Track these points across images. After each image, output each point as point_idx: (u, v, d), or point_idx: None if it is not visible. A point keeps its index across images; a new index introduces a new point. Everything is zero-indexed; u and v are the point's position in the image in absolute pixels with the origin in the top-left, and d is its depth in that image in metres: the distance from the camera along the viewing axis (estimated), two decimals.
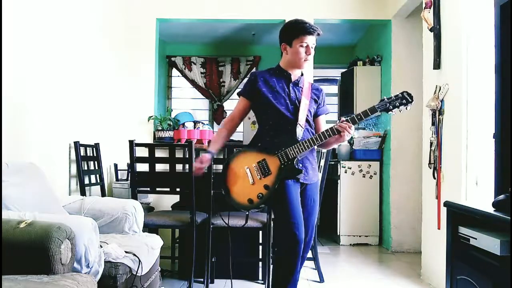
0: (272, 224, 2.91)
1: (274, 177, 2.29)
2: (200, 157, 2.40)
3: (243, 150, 2.44)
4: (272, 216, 2.75)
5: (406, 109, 2.22)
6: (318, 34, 2.34)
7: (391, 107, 2.21)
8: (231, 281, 2.88)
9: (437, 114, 3.15)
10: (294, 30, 2.34)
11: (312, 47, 2.35)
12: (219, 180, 2.50)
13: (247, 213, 2.64)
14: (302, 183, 2.35)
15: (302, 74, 2.46)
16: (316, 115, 2.48)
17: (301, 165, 2.33)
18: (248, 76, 2.48)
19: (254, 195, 2.32)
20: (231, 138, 2.68)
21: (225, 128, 2.51)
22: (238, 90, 3.57)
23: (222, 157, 2.96)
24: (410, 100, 2.20)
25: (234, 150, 2.50)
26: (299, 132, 2.32)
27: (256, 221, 2.94)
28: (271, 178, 2.29)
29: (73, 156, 3.28)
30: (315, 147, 2.33)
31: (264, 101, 2.37)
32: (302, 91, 2.41)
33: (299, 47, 2.32)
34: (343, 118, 2.27)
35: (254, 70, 6.26)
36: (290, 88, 2.39)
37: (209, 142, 3.04)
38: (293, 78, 2.42)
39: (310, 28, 2.31)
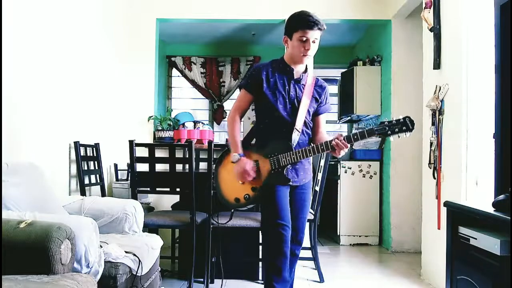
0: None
1: (262, 181, 2.28)
2: (244, 167, 2.25)
3: None
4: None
5: (406, 135, 2.12)
6: (320, 29, 2.23)
7: (389, 132, 2.12)
8: (222, 280, 2.87)
9: (437, 114, 3.15)
10: (294, 23, 2.26)
11: (314, 42, 2.25)
12: (212, 175, 2.50)
13: (232, 211, 2.66)
14: (292, 185, 2.34)
15: (306, 70, 2.38)
16: (316, 114, 2.42)
17: (290, 167, 2.30)
18: (251, 68, 2.43)
19: (241, 195, 2.33)
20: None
21: (237, 124, 2.41)
22: (238, 90, 3.57)
23: None
24: (411, 127, 2.10)
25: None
26: (295, 137, 2.28)
27: (256, 221, 2.94)
28: (259, 181, 2.29)
29: (73, 156, 3.28)
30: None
31: (263, 99, 2.33)
32: (304, 88, 2.34)
33: (298, 41, 2.24)
34: (339, 135, 2.19)
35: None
36: (291, 85, 2.33)
37: (210, 144, 3.02)
38: (296, 75, 2.34)
39: (310, 22, 2.21)
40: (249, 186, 2.31)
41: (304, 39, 2.23)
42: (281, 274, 2.24)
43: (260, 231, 3.23)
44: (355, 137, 2.16)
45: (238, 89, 2.59)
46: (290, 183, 2.30)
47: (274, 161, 2.26)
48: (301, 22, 2.23)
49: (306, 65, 2.39)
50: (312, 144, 2.28)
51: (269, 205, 2.27)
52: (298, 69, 2.36)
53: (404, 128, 2.11)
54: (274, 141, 2.29)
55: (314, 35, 2.24)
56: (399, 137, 2.14)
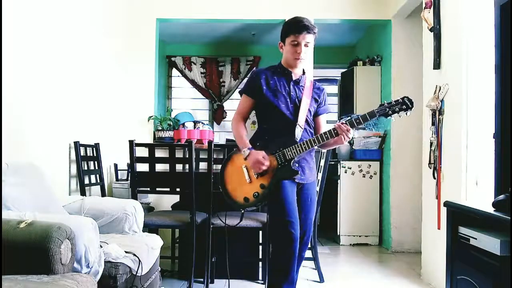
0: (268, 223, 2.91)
1: (270, 177, 2.30)
2: (257, 157, 2.26)
3: None
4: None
5: (406, 114, 2.20)
6: (309, 33, 2.28)
7: (390, 112, 2.20)
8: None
9: (437, 114, 3.15)
10: (286, 29, 2.34)
11: (306, 46, 2.30)
12: (217, 177, 2.51)
13: (242, 211, 2.66)
14: (298, 183, 2.36)
15: (304, 73, 2.45)
16: (316, 115, 2.48)
17: (297, 164, 2.33)
18: (250, 74, 2.49)
19: (250, 193, 2.33)
20: (231, 138, 2.69)
21: (241, 124, 2.44)
22: (238, 90, 3.58)
23: (222, 157, 2.95)
24: (410, 106, 2.19)
25: (234, 148, 2.50)
26: (298, 132, 2.32)
27: (256, 221, 2.94)
28: (267, 178, 2.30)
29: (73, 156, 3.28)
30: (314, 147, 2.33)
31: (264, 100, 2.38)
32: (303, 89, 2.40)
33: (290, 45, 2.31)
34: (342, 120, 2.26)
35: (255, 68, 6.26)
36: (291, 86, 2.39)
37: (210, 144, 3.03)
38: (294, 76, 2.41)
39: (300, 27, 2.27)
40: (257, 184, 2.32)
41: (296, 43, 2.30)
42: (289, 274, 2.23)
43: (260, 231, 3.24)
44: (358, 120, 2.23)
45: (237, 90, 2.59)
46: (298, 176, 2.30)
47: (280, 155, 2.29)
48: (292, 27, 2.31)
49: (303, 69, 2.45)
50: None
51: (277, 203, 2.27)
52: (295, 72, 2.42)
53: (404, 107, 2.19)
54: (278, 138, 2.32)
55: (306, 39, 2.29)
56: (400, 116, 2.21)
